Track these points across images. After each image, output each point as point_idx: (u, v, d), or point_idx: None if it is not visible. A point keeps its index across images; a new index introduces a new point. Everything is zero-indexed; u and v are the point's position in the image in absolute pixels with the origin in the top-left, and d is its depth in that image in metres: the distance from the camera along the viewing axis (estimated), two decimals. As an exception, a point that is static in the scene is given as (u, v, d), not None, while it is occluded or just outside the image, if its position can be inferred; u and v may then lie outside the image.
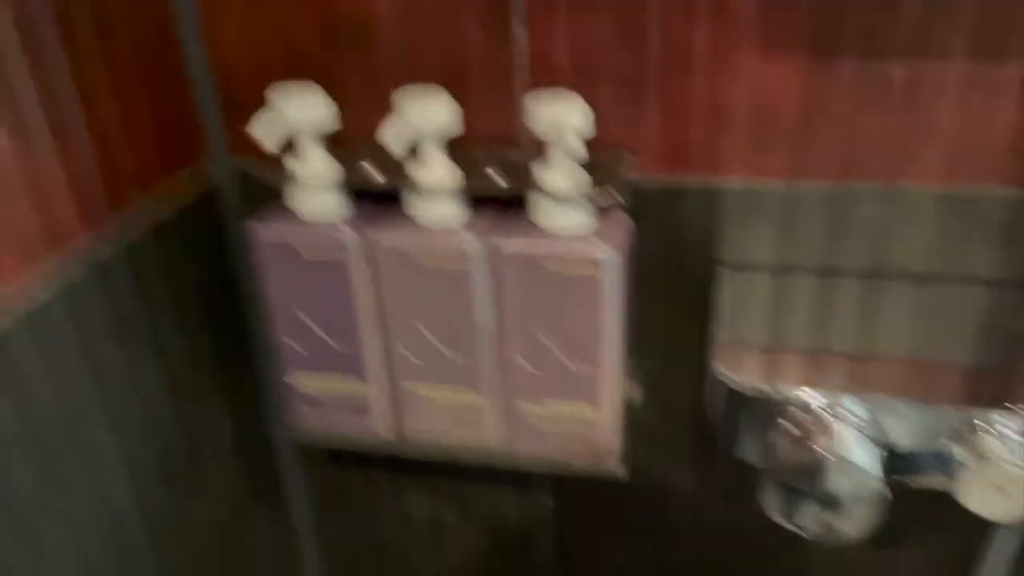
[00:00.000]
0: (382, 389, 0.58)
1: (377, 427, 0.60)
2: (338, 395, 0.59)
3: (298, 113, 0.51)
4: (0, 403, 0.45)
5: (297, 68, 0.57)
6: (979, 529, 0.59)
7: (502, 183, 0.51)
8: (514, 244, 0.51)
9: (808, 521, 0.45)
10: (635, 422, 0.65)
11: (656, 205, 0.57)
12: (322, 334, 0.57)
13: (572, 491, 0.70)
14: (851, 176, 0.53)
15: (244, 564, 0.70)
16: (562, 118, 0.48)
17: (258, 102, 0.58)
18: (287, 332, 0.57)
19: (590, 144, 0.54)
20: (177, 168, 0.59)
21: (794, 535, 0.50)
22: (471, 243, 0.51)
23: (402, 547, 0.78)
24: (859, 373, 0.50)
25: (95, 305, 0.51)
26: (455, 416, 0.57)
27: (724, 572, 0.71)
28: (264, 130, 0.50)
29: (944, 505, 0.46)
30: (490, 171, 0.52)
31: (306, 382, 0.59)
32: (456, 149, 0.55)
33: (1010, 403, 0.46)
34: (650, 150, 0.55)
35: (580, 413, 0.55)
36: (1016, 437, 0.43)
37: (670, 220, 0.57)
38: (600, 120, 0.54)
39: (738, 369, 0.50)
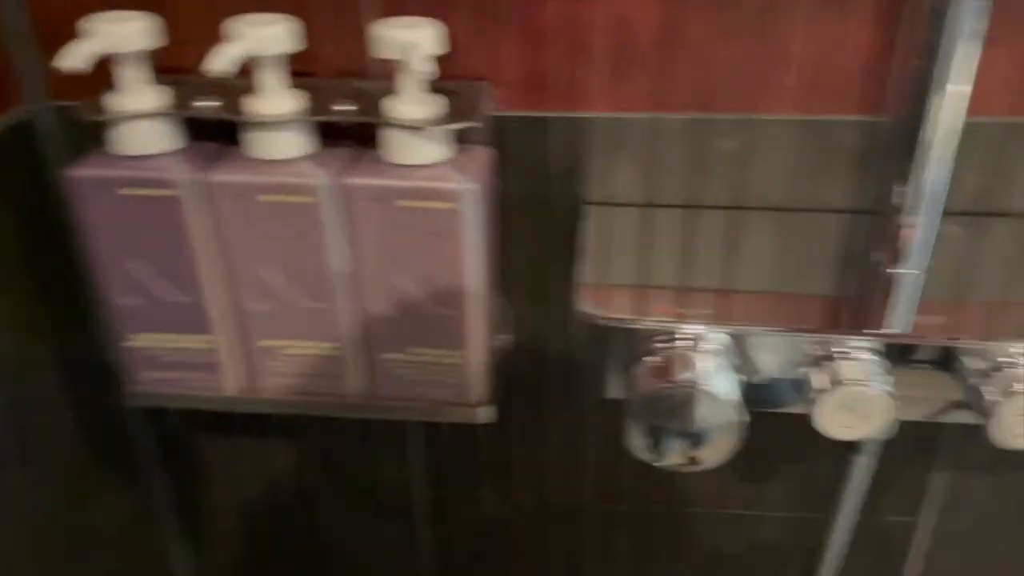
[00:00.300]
0: (230, 343, 0.54)
1: (228, 385, 0.55)
2: (182, 352, 0.54)
3: (116, 39, 0.46)
4: None
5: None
6: (840, 452, 0.60)
7: (350, 113, 0.47)
8: (364, 177, 0.47)
9: (671, 453, 0.44)
10: (506, 366, 0.63)
11: (518, 139, 0.54)
12: (158, 286, 0.52)
13: (444, 442, 0.68)
14: (710, 107, 0.52)
15: (93, 542, 0.64)
16: (409, 40, 0.44)
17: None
18: (119, 287, 0.52)
19: (446, 76, 0.51)
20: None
21: (664, 471, 0.49)
22: (317, 176, 0.47)
23: (270, 513, 0.74)
24: (724, 307, 0.50)
25: None
26: (313, 369, 0.54)
27: (600, 515, 0.70)
28: (73, 58, 0.44)
29: (806, 430, 0.46)
30: (337, 102, 0.48)
31: (145, 340, 0.54)
32: (301, 77, 0.50)
33: (868, 329, 0.46)
34: (510, 81, 0.52)
35: (445, 358, 0.52)
36: (868, 358, 0.43)
37: (532, 155, 0.55)
38: (456, 49, 0.51)
39: (604, 307, 0.49)
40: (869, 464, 0.56)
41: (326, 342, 0.53)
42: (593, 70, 0.52)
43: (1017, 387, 0.42)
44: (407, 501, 0.72)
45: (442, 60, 0.50)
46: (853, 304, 0.50)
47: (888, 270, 0.49)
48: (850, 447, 0.56)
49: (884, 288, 0.49)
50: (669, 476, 0.67)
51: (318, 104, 0.49)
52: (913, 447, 0.63)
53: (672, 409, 0.42)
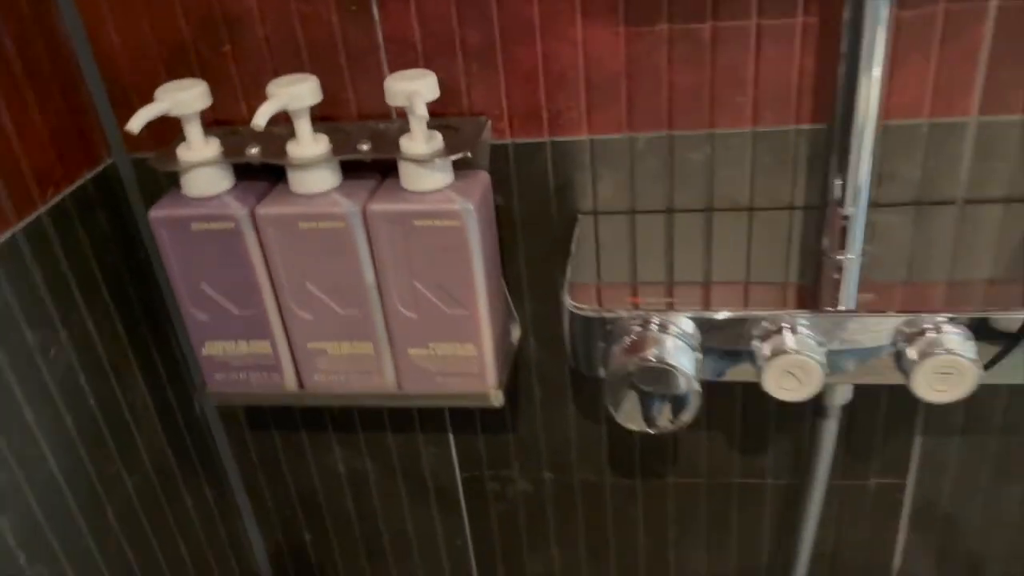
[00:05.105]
0: (285, 347, 0.64)
1: (285, 383, 0.66)
2: (246, 357, 0.65)
3: (177, 103, 0.57)
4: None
5: (180, 63, 0.63)
6: (797, 412, 0.68)
7: (368, 152, 0.58)
8: (383, 204, 0.57)
9: (640, 418, 0.53)
10: (520, 359, 0.72)
11: (516, 163, 0.64)
12: (225, 303, 0.63)
13: (476, 429, 0.77)
14: (677, 126, 0.61)
15: (180, 522, 0.76)
16: (411, 89, 0.54)
17: (147, 98, 0.64)
18: (193, 304, 0.63)
19: (452, 113, 0.61)
20: (80, 166, 0.64)
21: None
22: (345, 206, 0.57)
23: (329, 498, 0.84)
24: (696, 296, 0.58)
25: (7, 291, 0.57)
26: (352, 366, 0.64)
27: (615, 487, 0.79)
28: (138, 122, 0.55)
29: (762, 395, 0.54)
30: (360, 143, 0.59)
31: (216, 348, 0.65)
32: (329, 123, 0.61)
33: (821, 307, 0.54)
34: (505, 114, 0.62)
35: (460, 352, 0.62)
36: (806, 332, 0.51)
37: (530, 175, 0.64)
38: (458, 91, 0.61)
39: (597, 302, 0.57)
40: (835, 428, 0.64)
41: (361, 343, 0.63)
42: (573, 101, 0.61)
43: (934, 349, 0.49)
44: (447, 482, 0.81)
45: (448, 100, 0.61)
46: (808, 287, 0.58)
47: (833, 255, 0.57)
48: (819, 413, 0.63)
49: (829, 271, 0.57)
50: (673, 449, 0.75)
51: (344, 144, 0.59)
52: (896, 412, 0.70)
53: (640, 380, 0.51)
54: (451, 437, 0.79)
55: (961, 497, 0.74)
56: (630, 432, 0.75)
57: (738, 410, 0.72)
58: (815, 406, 0.63)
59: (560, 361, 0.72)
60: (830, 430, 0.63)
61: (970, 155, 0.59)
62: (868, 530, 0.77)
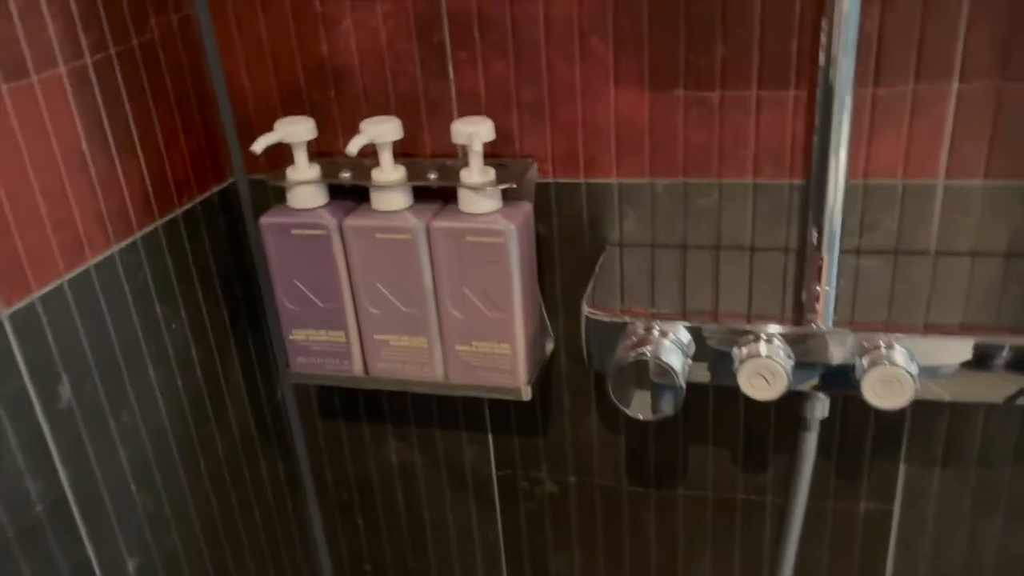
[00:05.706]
0: (355, 337, 0.78)
1: (354, 368, 0.79)
2: (324, 343, 0.79)
3: (289, 134, 0.72)
4: (86, 332, 0.66)
5: (294, 103, 0.79)
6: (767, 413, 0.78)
7: (435, 180, 0.72)
8: (443, 222, 0.71)
9: (638, 407, 0.64)
10: (552, 370, 0.84)
11: (556, 198, 0.77)
12: (311, 296, 0.77)
13: (508, 431, 0.89)
14: (690, 175, 0.73)
15: (255, 485, 0.90)
16: (471, 132, 0.68)
17: (266, 130, 0.80)
18: (286, 296, 0.78)
19: (506, 155, 0.75)
20: (208, 178, 0.81)
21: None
22: (413, 222, 0.71)
23: (381, 486, 0.97)
24: (703, 319, 0.69)
25: (145, 272, 0.73)
26: (409, 356, 0.77)
27: (629, 493, 0.89)
28: (259, 146, 0.71)
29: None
30: (429, 173, 0.73)
31: (301, 335, 0.79)
32: (409, 158, 0.76)
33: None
34: (549, 158, 0.76)
35: (497, 350, 0.74)
36: (778, 343, 0.62)
37: (567, 210, 0.77)
38: (512, 136, 0.75)
39: (612, 315, 0.69)
40: (815, 441, 0.73)
41: (418, 336, 0.76)
42: (605, 150, 0.74)
43: (881, 362, 0.59)
44: (484, 479, 0.93)
45: (503, 144, 0.75)
46: (795, 315, 0.69)
47: (812, 288, 0.67)
48: (802, 426, 0.73)
49: (811, 301, 0.67)
50: (684, 462, 0.85)
51: (417, 173, 0.73)
52: (881, 439, 0.79)
53: (637, 372, 0.62)
54: (489, 436, 0.90)
55: (945, 525, 0.81)
56: (644, 441, 0.86)
57: (741, 430, 0.82)
58: (798, 419, 0.72)
59: (587, 373, 0.84)
60: (811, 442, 0.72)
61: (939, 212, 0.69)
62: (859, 553, 0.85)
